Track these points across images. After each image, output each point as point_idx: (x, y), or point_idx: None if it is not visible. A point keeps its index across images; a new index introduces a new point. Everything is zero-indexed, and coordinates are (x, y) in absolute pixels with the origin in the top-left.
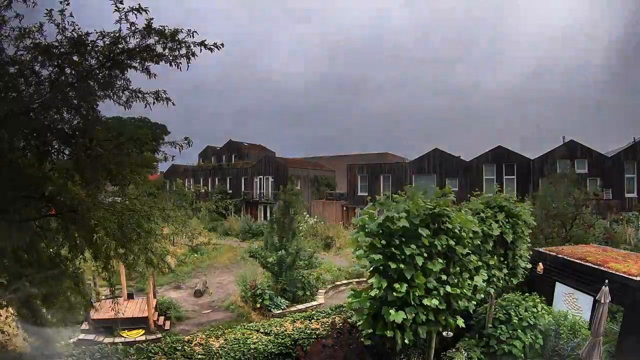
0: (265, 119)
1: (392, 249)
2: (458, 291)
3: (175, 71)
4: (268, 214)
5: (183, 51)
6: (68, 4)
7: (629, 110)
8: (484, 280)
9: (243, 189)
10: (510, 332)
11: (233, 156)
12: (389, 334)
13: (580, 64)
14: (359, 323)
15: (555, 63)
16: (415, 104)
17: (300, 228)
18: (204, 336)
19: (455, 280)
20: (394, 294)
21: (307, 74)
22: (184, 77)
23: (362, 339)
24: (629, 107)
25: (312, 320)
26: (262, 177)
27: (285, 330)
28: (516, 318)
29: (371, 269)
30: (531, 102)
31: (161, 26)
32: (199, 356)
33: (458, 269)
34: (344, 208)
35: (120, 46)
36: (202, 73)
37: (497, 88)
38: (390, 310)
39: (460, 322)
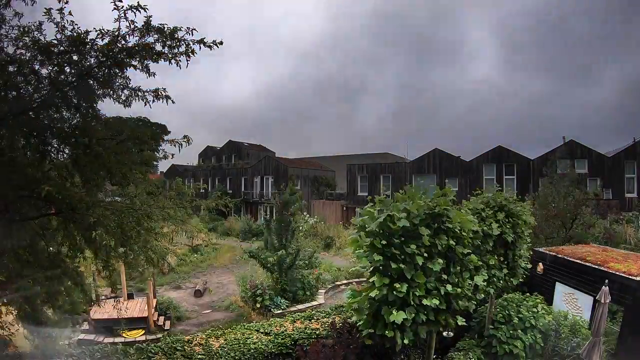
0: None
1: (392, 249)
2: (458, 291)
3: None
4: (268, 214)
5: (182, 49)
6: (67, 3)
7: None
8: (484, 280)
9: (243, 189)
10: (511, 332)
11: (233, 156)
12: (389, 334)
13: None
14: (359, 323)
15: None
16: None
17: (301, 228)
18: (204, 336)
19: (456, 280)
20: (394, 293)
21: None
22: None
23: (362, 339)
24: None
25: (312, 320)
26: (262, 177)
27: (285, 330)
28: (516, 318)
29: (371, 269)
30: None
31: (160, 24)
32: (199, 356)
33: (458, 268)
34: (344, 208)
35: (119, 44)
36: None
37: None
38: (392, 310)
39: (461, 321)
